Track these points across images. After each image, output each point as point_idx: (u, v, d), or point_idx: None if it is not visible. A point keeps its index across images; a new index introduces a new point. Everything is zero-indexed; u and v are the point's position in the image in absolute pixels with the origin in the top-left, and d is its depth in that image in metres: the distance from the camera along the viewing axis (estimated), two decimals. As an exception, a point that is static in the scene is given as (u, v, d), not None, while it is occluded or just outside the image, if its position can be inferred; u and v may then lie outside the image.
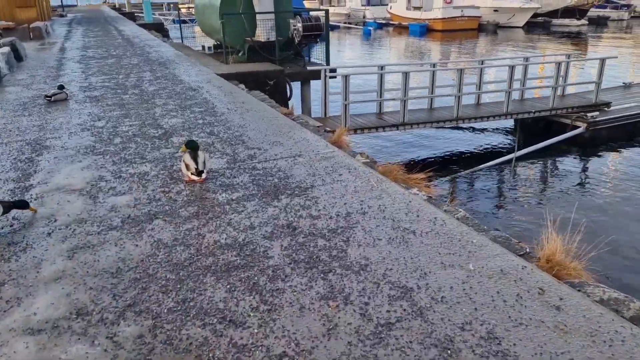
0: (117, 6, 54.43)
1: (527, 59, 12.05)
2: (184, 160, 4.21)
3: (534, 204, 8.84)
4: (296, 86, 12.21)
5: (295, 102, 11.94)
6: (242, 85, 9.63)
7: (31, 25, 18.67)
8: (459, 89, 10.54)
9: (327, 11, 12.12)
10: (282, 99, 10.84)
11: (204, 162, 4.18)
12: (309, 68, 10.88)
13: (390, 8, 48.18)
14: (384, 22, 47.78)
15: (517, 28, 41.42)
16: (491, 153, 11.49)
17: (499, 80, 12.53)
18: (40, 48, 15.48)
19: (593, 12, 43.94)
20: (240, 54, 13.02)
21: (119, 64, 11.46)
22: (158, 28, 27.06)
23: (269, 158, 4.82)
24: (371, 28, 43.83)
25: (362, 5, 52.47)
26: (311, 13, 12.39)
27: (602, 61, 11.67)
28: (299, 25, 11.37)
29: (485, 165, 10.02)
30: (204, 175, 4.15)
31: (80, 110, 7.04)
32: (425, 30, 40.81)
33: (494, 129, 12.91)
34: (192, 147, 4.23)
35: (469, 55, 29.51)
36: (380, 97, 10.85)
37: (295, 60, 12.75)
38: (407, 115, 10.28)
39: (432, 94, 11.24)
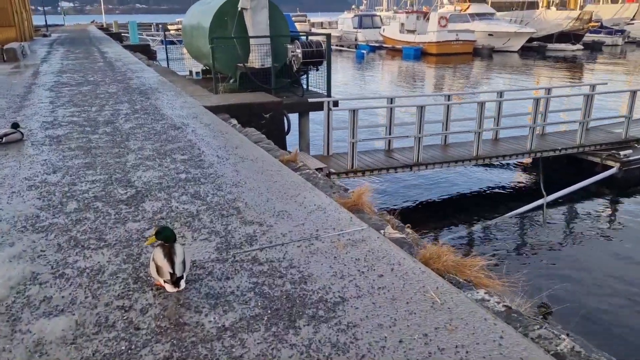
0: (104, 26, 53.35)
1: (549, 90, 10.96)
2: (154, 259, 2.86)
3: (591, 269, 7.55)
4: (293, 117, 10.95)
5: (292, 136, 10.68)
6: (234, 120, 8.35)
7: (5, 47, 17.33)
8: (479, 125, 9.36)
9: (329, 36, 10.95)
10: (279, 134, 9.56)
11: (184, 263, 2.84)
12: (310, 100, 9.65)
13: (383, 31, 47.56)
14: (376, 45, 47.11)
15: (512, 52, 40.88)
16: (514, 195, 10.27)
17: (517, 114, 11.37)
18: (11, 72, 14.13)
19: (588, 37, 43.65)
20: (231, 82, 11.79)
21: (95, 93, 10.13)
22: (144, 50, 25.86)
23: (276, 241, 3.49)
24: (364, 51, 43.06)
25: (354, 28, 51.83)
26: (311, 38, 11.23)
27: (633, 93, 10.60)
28: (299, 51, 10.18)
29: (514, 213, 8.77)
30: (182, 284, 2.81)
31: (35, 156, 5.68)
32: (419, 53, 40.06)
33: (511, 165, 11.73)
34: (166, 239, 2.90)
35: (466, 81, 28.63)
36: (390, 133, 9.62)
37: (292, 89, 11.54)
38: (421, 154, 9.05)
39: (446, 129, 10.04)
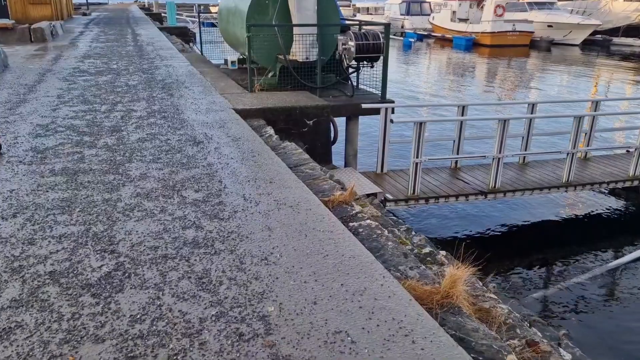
0: (146, 6, 52.60)
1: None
2: None
3: None
4: (340, 121, 9.23)
5: (338, 142, 8.99)
6: (270, 129, 6.77)
7: (32, 26, 16.23)
8: (573, 144, 7.48)
9: (387, 26, 9.18)
10: (324, 145, 7.94)
11: None
12: (364, 105, 7.93)
13: (433, 19, 44.91)
14: (424, 33, 44.55)
15: (572, 46, 37.73)
16: (608, 231, 8.32)
17: (611, 129, 9.33)
18: (33, 55, 12.95)
19: (658, 32, 39.92)
20: (270, 76, 10.19)
21: (112, 85, 8.73)
22: (182, 32, 24.54)
23: None
24: (412, 40, 40.69)
25: (401, 15, 49.30)
26: (366, 28, 9.48)
27: None
28: (352, 44, 8.47)
29: (617, 263, 6.89)
30: None
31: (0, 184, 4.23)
32: (471, 44, 37.36)
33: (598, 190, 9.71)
34: None
35: (527, 77, 26.16)
36: (459, 149, 7.84)
37: (339, 86, 9.82)
38: (499, 179, 7.27)
39: (526, 146, 8.17)
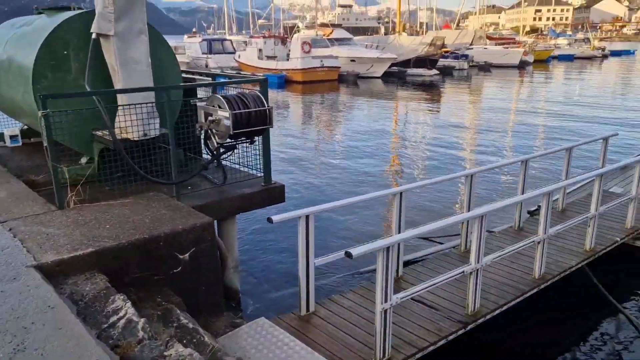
0: None
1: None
2: None
3: None
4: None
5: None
6: (126, 306, 3.45)
7: None
8: None
9: (265, 82, 6.44)
10: (211, 286, 4.76)
11: None
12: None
13: (239, 57, 43.26)
14: (232, 72, 42.59)
15: (375, 78, 39.59)
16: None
17: None
18: None
19: (440, 62, 44.44)
20: (84, 162, 6.60)
21: None
22: None
23: None
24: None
25: (203, 53, 46.76)
26: (239, 87, 6.56)
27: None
28: (224, 114, 5.36)
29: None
30: None
31: None
32: (283, 81, 36.55)
33: None
34: None
35: (366, 117, 25.66)
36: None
37: (194, 167, 6.69)
38: (478, 297, 5.01)
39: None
